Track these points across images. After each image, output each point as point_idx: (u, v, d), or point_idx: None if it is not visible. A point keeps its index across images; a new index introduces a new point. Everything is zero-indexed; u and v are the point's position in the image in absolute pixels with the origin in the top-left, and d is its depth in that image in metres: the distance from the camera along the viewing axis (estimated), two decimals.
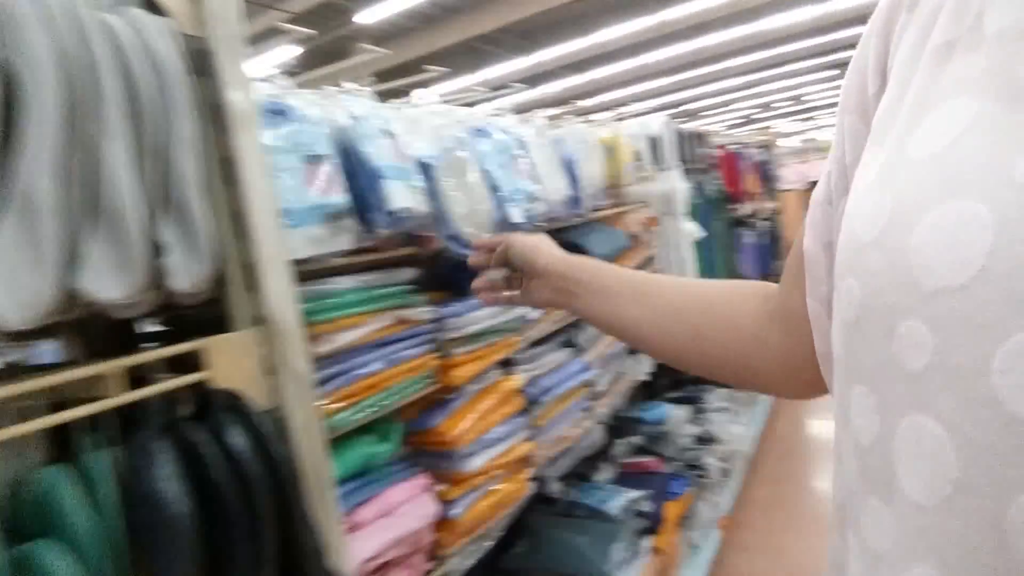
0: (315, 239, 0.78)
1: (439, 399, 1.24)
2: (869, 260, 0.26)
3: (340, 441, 1.01)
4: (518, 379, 1.38)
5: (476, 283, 0.69)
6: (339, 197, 0.84)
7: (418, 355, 1.14)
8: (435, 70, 1.18)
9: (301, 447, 0.81)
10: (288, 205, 0.77)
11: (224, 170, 0.80)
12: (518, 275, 0.67)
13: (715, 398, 2.61)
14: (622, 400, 1.92)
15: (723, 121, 19.20)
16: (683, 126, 2.62)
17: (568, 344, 1.70)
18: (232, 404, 0.76)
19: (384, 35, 9.07)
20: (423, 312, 1.13)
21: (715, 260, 2.62)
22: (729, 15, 9.60)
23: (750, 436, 2.90)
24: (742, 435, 2.69)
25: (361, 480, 1.06)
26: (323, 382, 0.92)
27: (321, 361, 0.92)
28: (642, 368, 2.10)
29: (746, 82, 14.52)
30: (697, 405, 2.51)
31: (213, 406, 0.75)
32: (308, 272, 0.91)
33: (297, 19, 8.22)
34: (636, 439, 2.27)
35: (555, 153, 1.56)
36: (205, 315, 0.82)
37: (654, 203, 2.41)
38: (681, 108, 16.55)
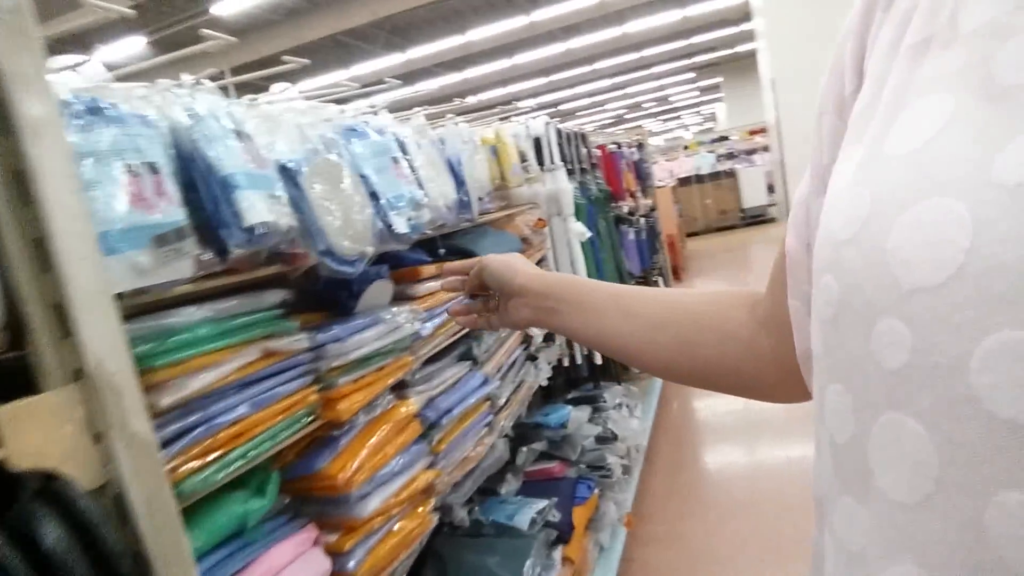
0: (141, 268, 0.62)
1: (324, 436, 1.10)
2: (847, 257, 0.26)
3: (203, 504, 0.84)
4: (413, 403, 1.26)
5: (452, 308, 0.71)
6: (174, 213, 0.68)
7: (294, 391, 0.99)
8: (295, 61, 1.03)
9: (146, 528, 0.65)
10: (105, 227, 0.61)
11: (17, 187, 0.62)
12: (494, 299, 0.67)
13: (612, 395, 2.62)
14: (522, 407, 1.85)
15: (597, 121, 19.96)
16: (564, 126, 2.60)
17: (465, 357, 1.61)
18: (44, 488, 0.59)
19: (244, 28, 8.51)
20: (296, 340, 0.99)
21: (602, 259, 2.64)
22: (596, 18, 9.96)
23: (645, 429, 2.95)
24: (638, 429, 2.73)
25: (234, 545, 0.90)
26: (173, 440, 0.75)
27: (169, 414, 0.75)
28: (542, 373, 2.04)
29: (614, 84, 15.17)
30: (596, 404, 2.50)
31: (17, 494, 0.58)
32: (145, 305, 0.74)
33: (145, 7, 7.48)
34: (538, 445, 2.22)
35: (438, 154, 1.46)
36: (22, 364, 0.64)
37: (542, 204, 2.37)
38: (557, 108, 16.99)
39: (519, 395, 1.81)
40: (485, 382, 1.59)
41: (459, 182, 1.52)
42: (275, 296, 0.98)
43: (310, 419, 1.03)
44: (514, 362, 1.83)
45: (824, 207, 0.30)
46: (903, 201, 0.24)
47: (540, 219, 2.25)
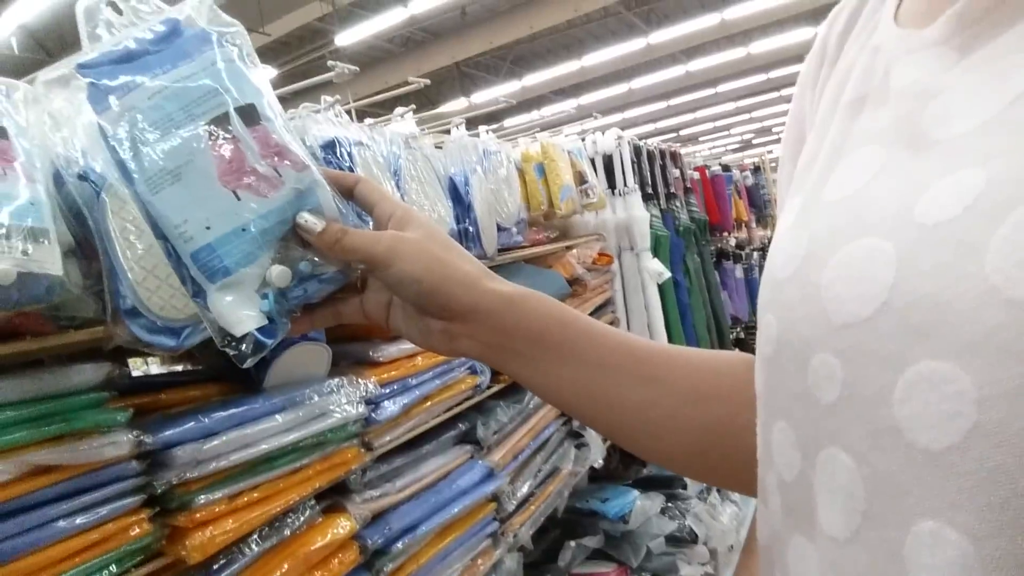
0: None
1: None
2: (786, 295, 0.27)
3: None
4: (347, 520, 0.88)
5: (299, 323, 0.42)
6: None
7: (104, 519, 0.64)
8: (417, 81, 0.80)
9: None
10: None
11: None
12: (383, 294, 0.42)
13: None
14: (553, 504, 1.41)
15: (721, 146, 18.98)
16: (647, 143, 2.15)
17: (466, 440, 1.21)
18: None
19: (367, 62, 8.83)
20: (111, 443, 0.64)
21: (690, 304, 2.12)
22: (719, 39, 9.34)
23: (744, 519, 2.35)
24: (730, 526, 2.15)
25: None
26: None
27: None
28: (593, 455, 1.59)
29: (739, 107, 14.28)
30: (672, 491, 1.98)
31: None
32: None
33: (276, 41, 7.99)
34: (591, 541, 1.75)
35: (431, 171, 1.09)
36: None
37: (610, 236, 1.94)
38: (678, 134, 16.32)
39: (548, 489, 1.38)
40: (490, 476, 1.18)
41: (463, 208, 1.15)
42: (88, 373, 0.65)
43: (140, 558, 0.68)
44: (544, 443, 1.40)
45: (769, 251, 0.31)
46: (837, 241, 0.25)
47: (603, 253, 1.81)
